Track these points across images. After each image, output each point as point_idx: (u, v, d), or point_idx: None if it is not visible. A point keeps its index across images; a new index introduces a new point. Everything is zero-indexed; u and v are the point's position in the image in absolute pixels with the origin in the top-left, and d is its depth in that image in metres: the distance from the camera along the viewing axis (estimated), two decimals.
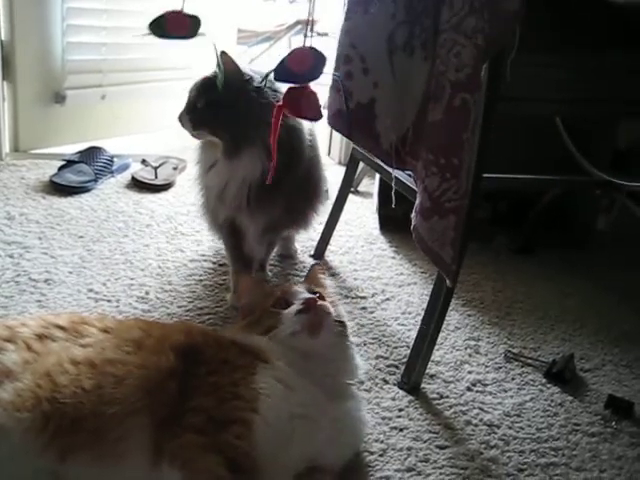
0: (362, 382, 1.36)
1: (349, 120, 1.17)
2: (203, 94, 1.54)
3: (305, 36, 1.14)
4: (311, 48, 1.12)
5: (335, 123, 1.19)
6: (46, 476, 0.92)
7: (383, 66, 1.16)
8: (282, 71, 1.12)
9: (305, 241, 2.06)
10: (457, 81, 1.11)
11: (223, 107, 1.49)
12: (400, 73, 1.16)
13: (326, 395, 1.10)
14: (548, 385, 1.45)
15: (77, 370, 0.99)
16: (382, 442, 1.20)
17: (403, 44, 1.15)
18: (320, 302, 1.15)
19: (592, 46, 1.40)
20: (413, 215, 1.22)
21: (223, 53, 1.48)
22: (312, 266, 1.40)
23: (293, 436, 1.02)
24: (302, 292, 1.19)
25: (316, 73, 1.11)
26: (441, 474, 1.14)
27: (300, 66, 1.11)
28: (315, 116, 1.16)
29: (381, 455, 1.17)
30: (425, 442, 1.21)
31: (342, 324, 1.18)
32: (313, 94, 1.15)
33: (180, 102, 1.61)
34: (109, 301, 1.60)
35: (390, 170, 1.31)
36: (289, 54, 1.12)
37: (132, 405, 0.96)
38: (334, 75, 1.17)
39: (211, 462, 0.93)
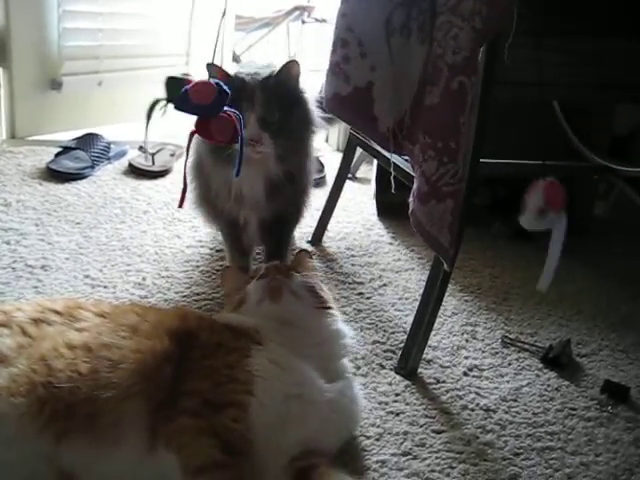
0: (358, 367, 1.36)
1: (346, 104, 1.16)
2: None
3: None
4: (216, 83, 1.13)
5: (333, 107, 1.19)
6: (42, 460, 0.92)
7: (380, 49, 1.15)
8: (184, 101, 1.12)
9: (303, 227, 2.05)
10: (454, 64, 1.10)
11: None
12: (397, 56, 1.15)
13: (321, 375, 1.10)
14: (545, 370, 1.45)
15: (73, 354, 0.99)
16: (378, 426, 1.20)
17: (400, 26, 1.14)
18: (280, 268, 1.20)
19: (592, 31, 1.39)
20: (411, 199, 1.21)
21: (210, 65, 1.46)
22: (299, 251, 1.39)
23: (289, 417, 1.02)
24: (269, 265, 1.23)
25: (217, 108, 1.12)
26: (437, 458, 1.14)
27: (202, 99, 1.11)
28: (225, 140, 1.17)
29: (377, 439, 1.17)
30: (421, 427, 1.22)
31: (314, 291, 1.21)
32: (224, 119, 1.14)
33: None
34: (106, 287, 1.59)
35: (388, 155, 1.30)
36: (191, 85, 1.12)
37: (127, 390, 0.97)
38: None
39: (206, 445, 0.93)
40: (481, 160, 1.26)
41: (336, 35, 1.14)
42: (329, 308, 1.22)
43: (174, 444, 0.94)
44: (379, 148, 1.32)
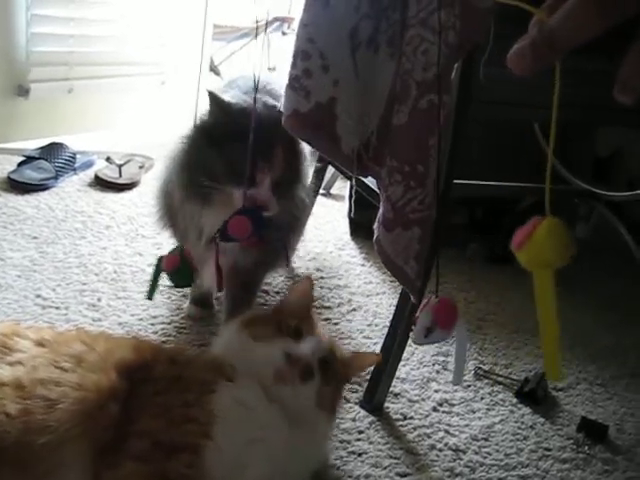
0: None
1: (306, 122, 1.07)
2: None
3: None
4: (247, 213, 1.10)
5: (291, 126, 1.09)
6: None
7: (345, 63, 1.07)
8: (225, 235, 1.10)
9: None
10: (424, 81, 1.02)
11: None
12: (363, 72, 1.07)
13: (289, 420, 1.00)
14: (519, 405, 1.37)
15: (1, 393, 0.89)
16: (338, 468, 1.11)
17: (367, 40, 1.06)
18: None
19: (573, 50, 1.32)
20: (375, 226, 1.13)
21: (211, 93, 1.25)
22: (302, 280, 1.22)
23: (248, 461, 0.93)
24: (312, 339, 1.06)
25: (257, 234, 1.10)
26: None
27: (240, 233, 1.09)
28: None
29: None
30: (385, 469, 1.13)
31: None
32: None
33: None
34: (57, 308, 1.49)
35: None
36: (230, 224, 1.09)
37: (67, 433, 0.86)
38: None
39: None
40: (457, 181, 1.19)
41: (296, 47, 1.05)
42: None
43: None
44: (343, 168, 1.24)
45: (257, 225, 1.09)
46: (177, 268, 1.18)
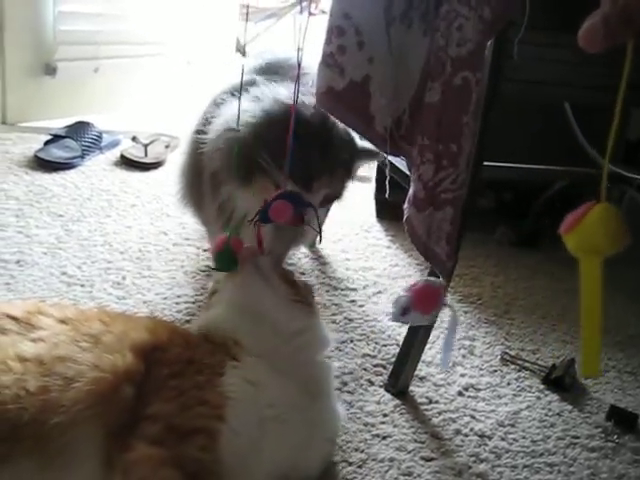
0: (345, 383, 1.27)
1: (341, 100, 1.04)
2: None
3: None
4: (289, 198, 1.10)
5: (325, 103, 1.06)
6: None
7: (380, 39, 1.04)
8: (266, 217, 1.11)
9: None
10: (458, 58, 0.99)
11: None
12: (397, 48, 1.04)
13: (300, 391, 1.00)
14: (546, 392, 1.34)
15: (23, 368, 0.88)
16: (362, 451, 1.10)
17: (401, 15, 1.03)
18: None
19: None
20: (406, 206, 1.11)
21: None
22: None
23: (263, 441, 0.92)
24: None
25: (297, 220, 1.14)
26: None
27: (281, 217, 1.10)
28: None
29: (360, 466, 1.06)
30: (409, 453, 1.11)
31: (290, 282, 1.13)
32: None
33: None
34: (82, 286, 1.49)
35: (384, 155, 1.19)
36: (269, 205, 1.10)
37: (80, 413, 0.84)
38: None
39: (169, 478, 0.83)
40: (485, 163, 1.16)
41: (331, 23, 1.02)
42: (308, 306, 1.12)
43: (132, 476, 0.84)
44: (375, 148, 1.21)
45: (299, 208, 1.11)
46: (220, 252, 1.16)
